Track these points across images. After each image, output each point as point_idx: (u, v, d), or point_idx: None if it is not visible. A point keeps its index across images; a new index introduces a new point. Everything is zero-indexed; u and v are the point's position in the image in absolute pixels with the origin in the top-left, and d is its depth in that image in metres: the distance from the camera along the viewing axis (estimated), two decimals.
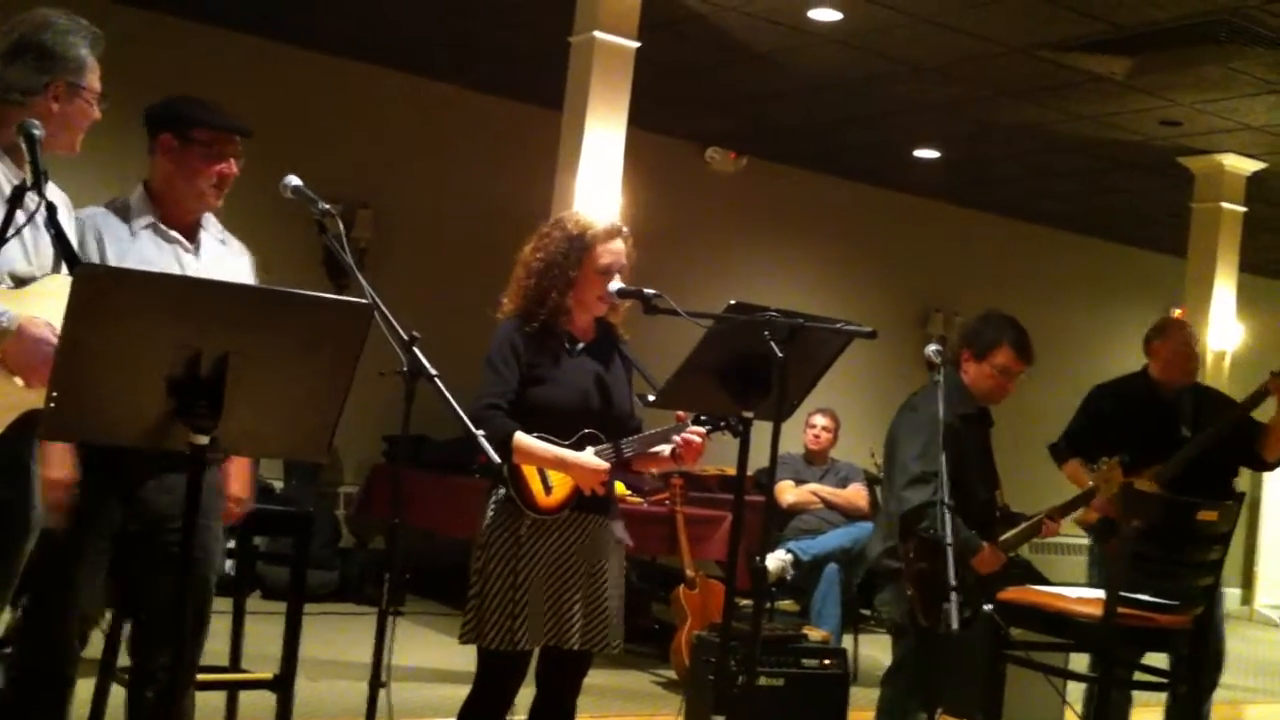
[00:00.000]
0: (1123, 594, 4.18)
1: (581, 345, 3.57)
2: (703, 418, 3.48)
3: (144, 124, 3.18)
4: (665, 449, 3.53)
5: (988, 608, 4.38)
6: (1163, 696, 5.21)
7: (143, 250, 3.08)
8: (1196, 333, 5.34)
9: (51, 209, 2.74)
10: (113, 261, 3.00)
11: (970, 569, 4.10)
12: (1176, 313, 9.61)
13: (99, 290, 2.27)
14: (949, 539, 3.81)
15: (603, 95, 6.73)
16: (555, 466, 3.41)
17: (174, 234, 3.14)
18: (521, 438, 3.38)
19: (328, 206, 3.10)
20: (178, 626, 3.06)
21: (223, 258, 3.23)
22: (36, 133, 2.62)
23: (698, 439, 3.47)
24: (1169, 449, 5.00)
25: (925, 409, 4.23)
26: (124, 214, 3.12)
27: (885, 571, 4.29)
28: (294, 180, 3.13)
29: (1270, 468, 5.17)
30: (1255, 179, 9.20)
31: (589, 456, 3.41)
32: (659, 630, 7.21)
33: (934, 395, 4.23)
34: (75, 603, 2.99)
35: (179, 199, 3.15)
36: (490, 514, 3.44)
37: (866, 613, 7.83)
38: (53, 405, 2.26)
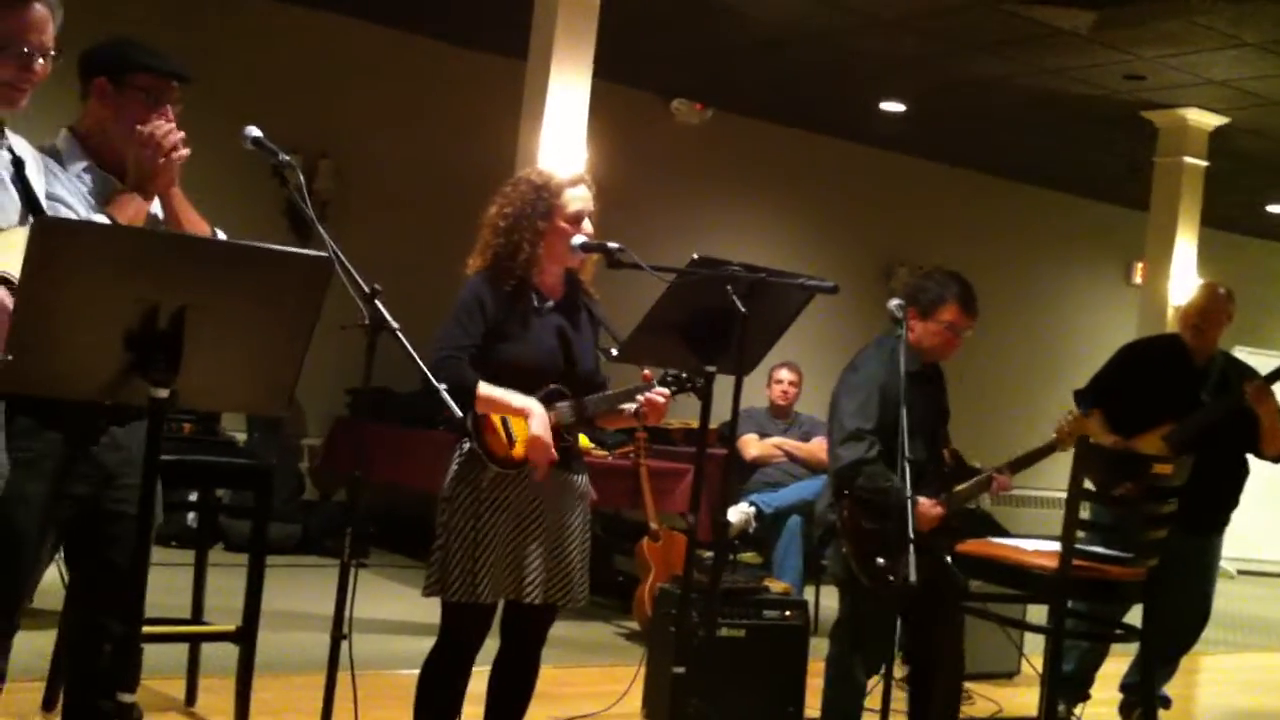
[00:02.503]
0: (1079, 546, 4.23)
1: (551, 303, 3.55)
2: (668, 378, 3.48)
3: (78, 66, 3.04)
4: (630, 407, 3.52)
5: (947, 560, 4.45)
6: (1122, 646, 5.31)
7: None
8: (1223, 299, 5.28)
9: (19, 163, 2.70)
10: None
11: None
12: (1139, 268, 9.68)
13: (57, 242, 2.24)
14: (909, 493, 3.85)
15: (567, 45, 6.69)
16: (516, 414, 3.39)
17: (114, 180, 3.03)
18: (484, 386, 3.37)
19: (287, 158, 3.05)
20: (133, 583, 3.05)
21: None
22: None
23: (661, 399, 3.47)
24: (1187, 413, 5.07)
25: (865, 368, 4.31)
26: (56, 158, 2.97)
27: (828, 527, 4.33)
28: (254, 131, 3.07)
29: (1272, 460, 5.22)
30: (1218, 134, 9.24)
31: (540, 426, 3.38)
32: (622, 582, 7.26)
33: (874, 354, 4.30)
34: (24, 555, 2.91)
35: (112, 144, 3.01)
36: (454, 468, 3.45)
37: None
38: (9, 358, 2.24)
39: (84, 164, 3.01)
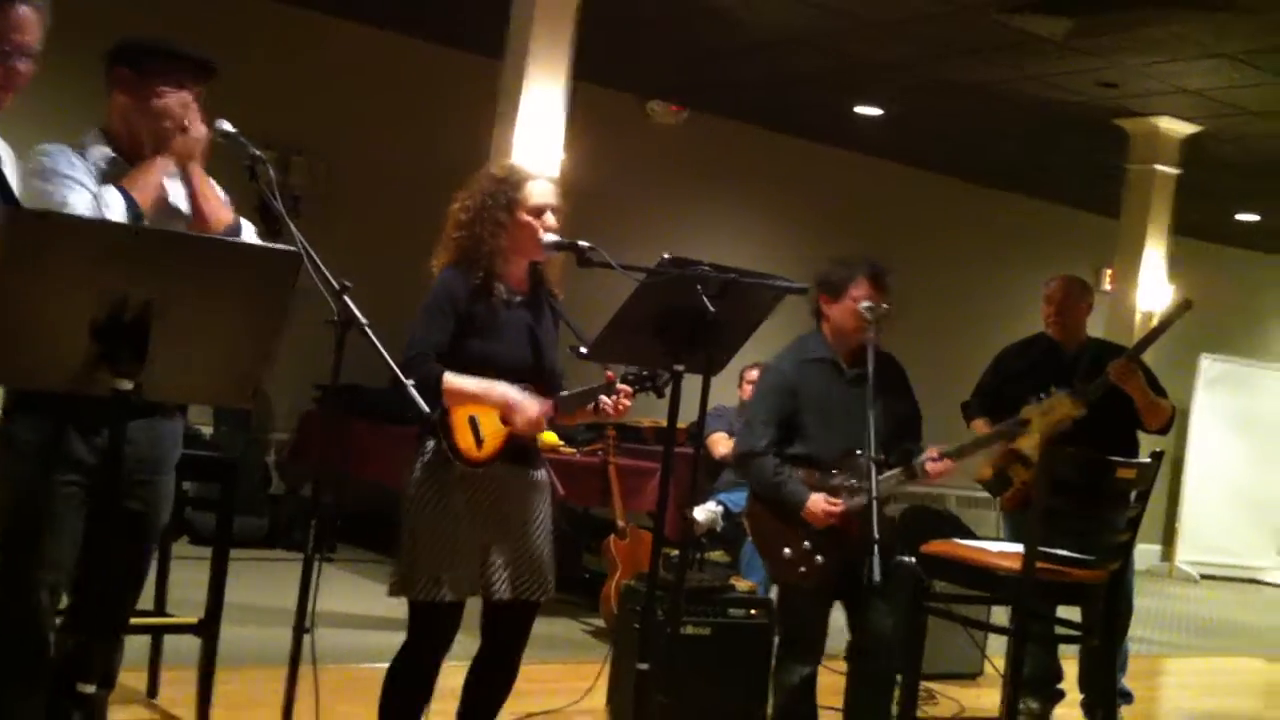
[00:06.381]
0: (1042, 549, 4.26)
1: (519, 298, 3.55)
2: (629, 377, 3.49)
3: (104, 61, 3.05)
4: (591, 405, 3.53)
5: (909, 560, 4.48)
6: (1076, 648, 5.36)
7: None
8: (1077, 288, 5.47)
9: None
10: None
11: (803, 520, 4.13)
12: (1107, 274, 9.75)
13: (24, 233, 2.25)
14: (875, 493, 3.87)
15: (544, 45, 6.69)
16: (494, 403, 3.39)
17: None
18: (451, 378, 3.36)
19: (259, 153, 3.05)
20: (126, 579, 3.06)
21: None
22: None
23: (626, 400, 3.48)
24: None
25: (773, 363, 4.41)
26: (80, 151, 2.97)
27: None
28: (226, 125, 3.07)
29: (1158, 433, 5.29)
30: (1191, 142, 9.31)
31: (532, 407, 3.39)
32: (589, 579, 7.27)
33: (786, 350, 4.36)
34: (45, 554, 2.89)
35: (136, 136, 3.01)
36: (419, 466, 3.44)
37: None
38: None
39: (107, 154, 3.00)
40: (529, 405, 3.40)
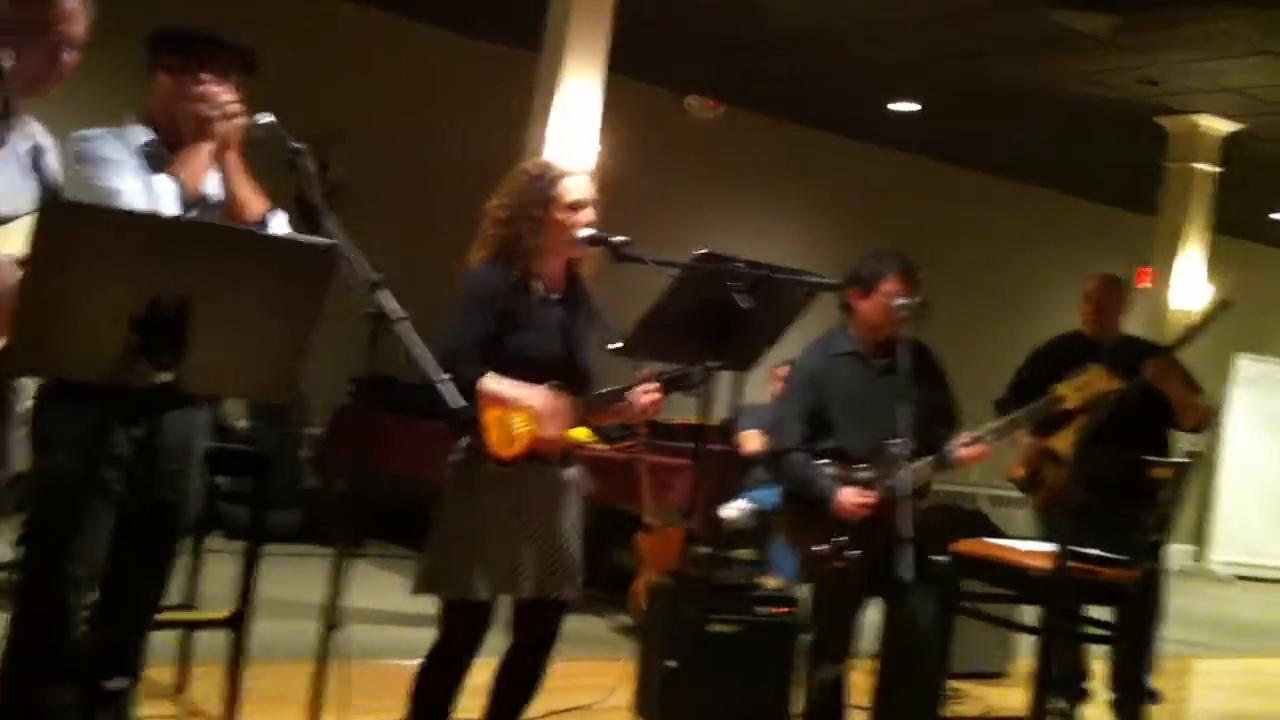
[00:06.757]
0: (1073, 548, 4.24)
1: (555, 296, 3.53)
2: (662, 376, 3.47)
3: (146, 47, 3.07)
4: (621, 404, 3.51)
5: (940, 559, 4.46)
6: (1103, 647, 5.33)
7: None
8: (1115, 286, 5.44)
9: (38, 150, 2.72)
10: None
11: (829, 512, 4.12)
12: (1145, 272, 9.68)
13: (63, 226, 2.27)
14: (907, 487, 3.85)
15: (581, 38, 6.69)
16: (520, 407, 3.39)
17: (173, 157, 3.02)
18: (486, 382, 3.36)
19: (299, 145, 3.06)
20: (153, 572, 3.07)
21: None
22: (4, 65, 2.58)
23: (650, 400, 3.45)
24: None
25: (800, 359, 4.40)
26: (120, 136, 2.98)
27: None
28: (266, 118, 3.04)
29: (1192, 431, 5.24)
30: (1231, 140, 9.22)
31: (550, 408, 3.39)
32: (617, 576, 7.27)
33: (813, 344, 4.36)
34: (78, 548, 2.90)
35: (176, 124, 3.01)
36: (451, 464, 3.44)
37: None
38: (12, 341, 2.25)
39: (148, 138, 3.00)
40: (552, 422, 3.38)
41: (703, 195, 10.08)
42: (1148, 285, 9.79)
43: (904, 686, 4.29)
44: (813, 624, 4.39)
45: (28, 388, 2.86)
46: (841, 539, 4.10)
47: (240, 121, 3.02)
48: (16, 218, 2.64)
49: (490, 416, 3.38)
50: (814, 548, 4.15)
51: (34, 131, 2.76)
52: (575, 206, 3.48)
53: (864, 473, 4.16)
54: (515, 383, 3.39)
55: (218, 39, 3.08)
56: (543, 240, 3.46)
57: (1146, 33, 7.32)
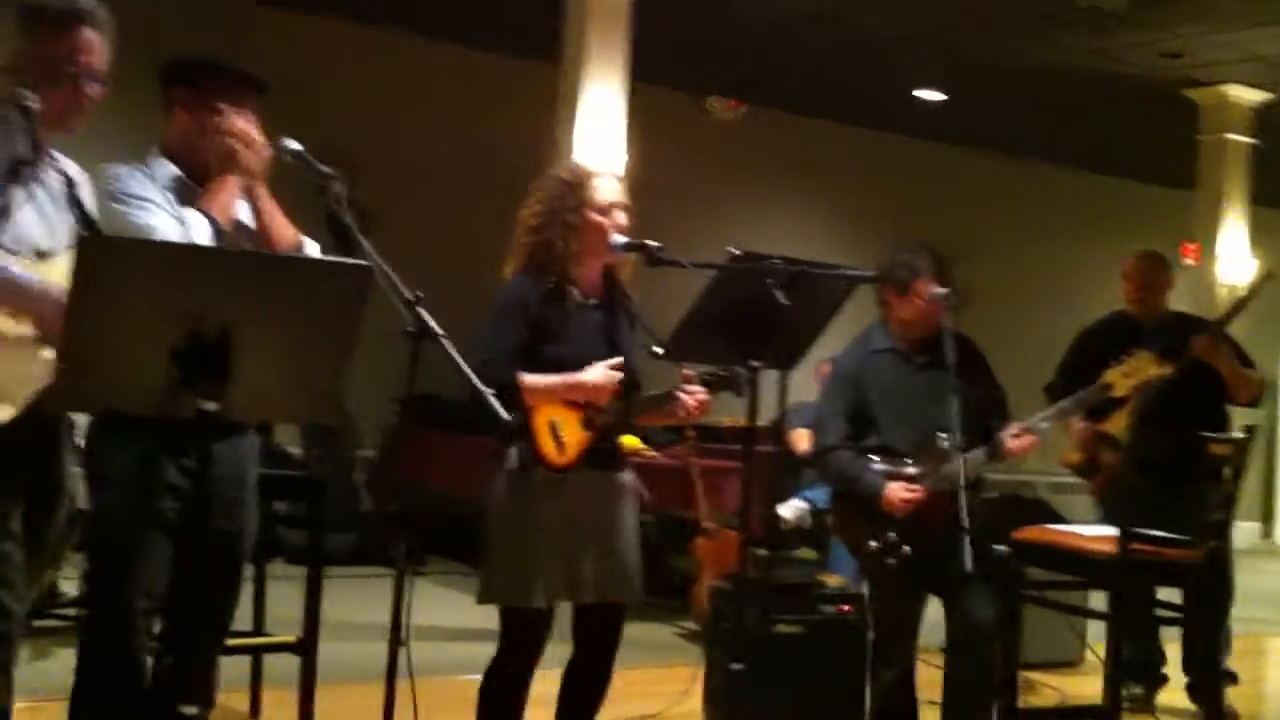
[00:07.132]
0: (1136, 530, 4.18)
1: (593, 301, 3.52)
2: (707, 378, 3.45)
3: (159, 79, 3.10)
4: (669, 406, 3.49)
5: (1002, 549, 4.41)
6: (1177, 630, 5.25)
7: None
8: (1157, 263, 5.39)
9: (71, 183, 2.73)
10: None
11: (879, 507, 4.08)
12: (1187, 248, 9.58)
13: (102, 259, 2.27)
14: (961, 479, 3.81)
15: (599, 48, 6.70)
16: (569, 392, 3.36)
17: (200, 190, 3.04)
18: (526, 378, 3.33)
19: (329, 170, 3.05)
20: (219, 599, 3.09)
21: None
22: (31, 106, 2.60)
23: (696, 402, 3.44)
24: None
25: (841, 357, 4.39)
26: (147, 172, 3.01)
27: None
28: (293, 144, 3.02)
29: (1248, 405, 5.17)
30: (1265, 109, 9.11)
31: (598, 371, 3.36)
32: (679, 582, 7.24)
33: (853, 342, 4.35)
34: (139, 580, 2.92)
35: (197, 155, 3.03)
36: (502, 475, 3.42)
37: None
38: (60, 377, 2.26)
39: (174, 173, 3.02)
40: (593, 371, 3.35)
41: (730, 196, 10.06)
42: (1191, 261, 9.68)
43: (969, 681, 4.24)
44: (874, 620, 4.35)
45: (80, 423, 2.88)
46: (890, 536, 4.07)
47: (264, 150, 3.03)
48: (57, 253, 2.67)
49: (539, 423, 3.36)
50: (870, 544, 4.11)
51: (65, 166, 2.78)
52: (607, 208, 3.46)
53: (910, 468, 4.13)
54: (555, 375, 3.36)
55: (226, 67, 3.08)
56: (577, 244, 3.44)
57: (1165, 6, 7.26)
